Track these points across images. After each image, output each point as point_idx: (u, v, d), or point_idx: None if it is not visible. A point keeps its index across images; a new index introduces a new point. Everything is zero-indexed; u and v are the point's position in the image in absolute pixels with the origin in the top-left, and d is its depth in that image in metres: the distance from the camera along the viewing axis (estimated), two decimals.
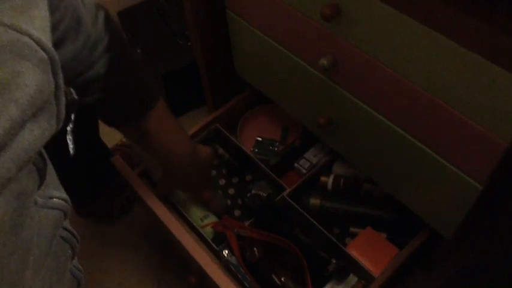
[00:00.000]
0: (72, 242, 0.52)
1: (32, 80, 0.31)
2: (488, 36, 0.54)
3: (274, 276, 0.87)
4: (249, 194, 1.02)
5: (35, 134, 0.32)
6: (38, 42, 0.32)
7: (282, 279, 0.87)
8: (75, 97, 0.45)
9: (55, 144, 0.39)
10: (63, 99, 0.36)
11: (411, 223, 0.93)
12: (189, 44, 1.37)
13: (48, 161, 0.42)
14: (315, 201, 1.00)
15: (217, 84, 1.19)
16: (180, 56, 1.36)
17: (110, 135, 1.11)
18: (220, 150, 1.12)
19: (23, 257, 0.39)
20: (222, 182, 1.10)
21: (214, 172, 1.10)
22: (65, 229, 0.51)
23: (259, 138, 1.15)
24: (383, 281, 0.85)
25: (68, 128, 0.46)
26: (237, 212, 1.02)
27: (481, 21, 0.54)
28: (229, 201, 1.06)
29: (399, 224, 0.96)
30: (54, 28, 0.56)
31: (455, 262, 0.99)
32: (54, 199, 0.46)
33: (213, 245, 0.91)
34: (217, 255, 0.90)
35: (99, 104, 0.68)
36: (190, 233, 0.94)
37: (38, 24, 0.33)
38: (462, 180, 0.70)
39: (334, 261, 0.87)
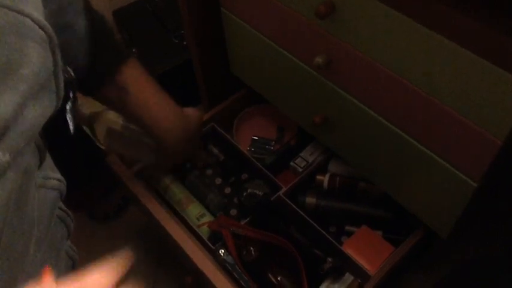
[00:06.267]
0: (66, 221, 0.53)
1: (36, 58, 0.33)
2: (484, 34, 0.54)
3: (270, 275, 0.87)
4: (245, 193, 1.02)
5: (37, 111, 0.34)
6: (37, 23, 0.34)
7: (278, 278, 0.87)
8: (73, 75, 0.46)
9: (49, 127, 0.40)
10: (61, 77, 0.38)
11: (407, 221, 0.93)
12: (184, 42, 1.37)
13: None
14: (310, 199, 1.00)
15: (213, 83, 1.19)
16: (175, 54, 1.36)
17: None
18: (216, 150, 1.12)
19: (27, 234, 0.40)
20: (218, 181, 1.09)
21: (210, 171, 1.10)
22: (60, 209, 0.52)
23: (255, 137, 1.15)
24: (379, 280, 0.85)
25: (67, 107, 0.47)
26: (233, 211, 1.02)
27: (477, 19, 0.54)
28: (225, 200, 1.06)
29: (395, 223, 0.97)
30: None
31: (451, 261, 0.99)
32: (52, 180, 0.47)
33: (209, 244, 0.91)
34: (214, 254, 0.90)
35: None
36: (186, 232, 0.93)
37: (32, 3, 0.34)
38: (457, 178, 0.70)
39: (330, 259, 0.87)
